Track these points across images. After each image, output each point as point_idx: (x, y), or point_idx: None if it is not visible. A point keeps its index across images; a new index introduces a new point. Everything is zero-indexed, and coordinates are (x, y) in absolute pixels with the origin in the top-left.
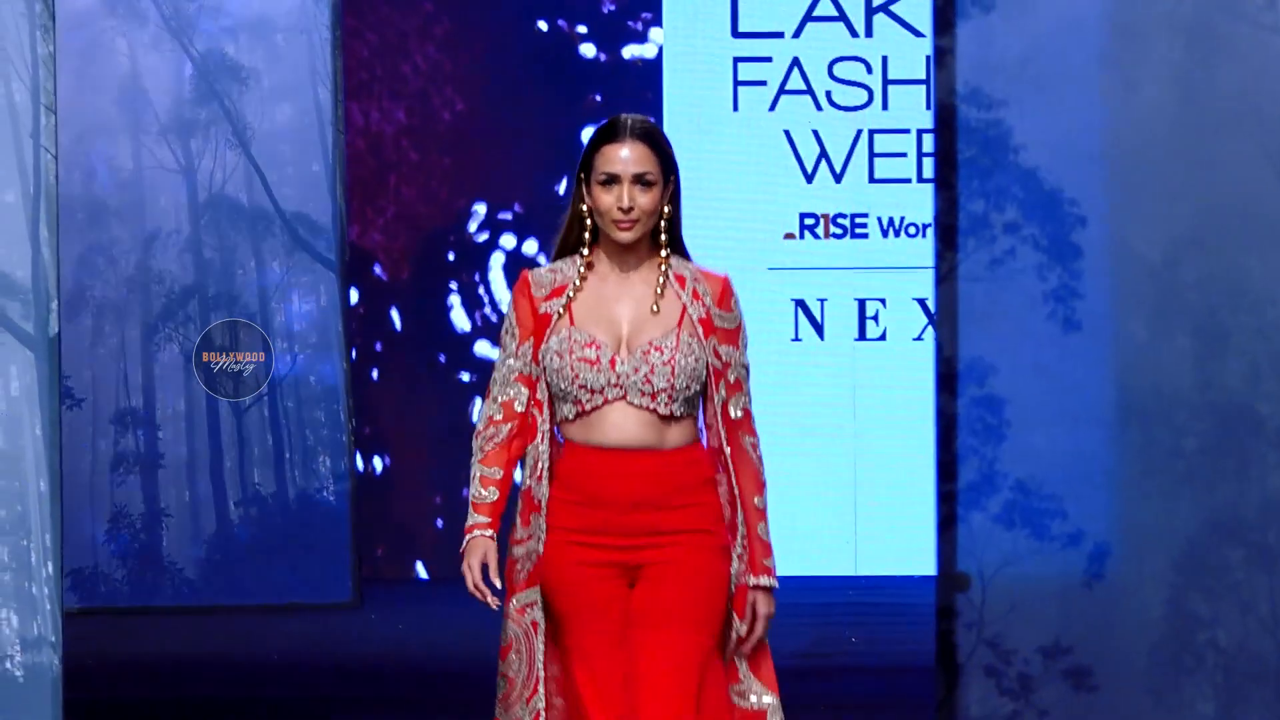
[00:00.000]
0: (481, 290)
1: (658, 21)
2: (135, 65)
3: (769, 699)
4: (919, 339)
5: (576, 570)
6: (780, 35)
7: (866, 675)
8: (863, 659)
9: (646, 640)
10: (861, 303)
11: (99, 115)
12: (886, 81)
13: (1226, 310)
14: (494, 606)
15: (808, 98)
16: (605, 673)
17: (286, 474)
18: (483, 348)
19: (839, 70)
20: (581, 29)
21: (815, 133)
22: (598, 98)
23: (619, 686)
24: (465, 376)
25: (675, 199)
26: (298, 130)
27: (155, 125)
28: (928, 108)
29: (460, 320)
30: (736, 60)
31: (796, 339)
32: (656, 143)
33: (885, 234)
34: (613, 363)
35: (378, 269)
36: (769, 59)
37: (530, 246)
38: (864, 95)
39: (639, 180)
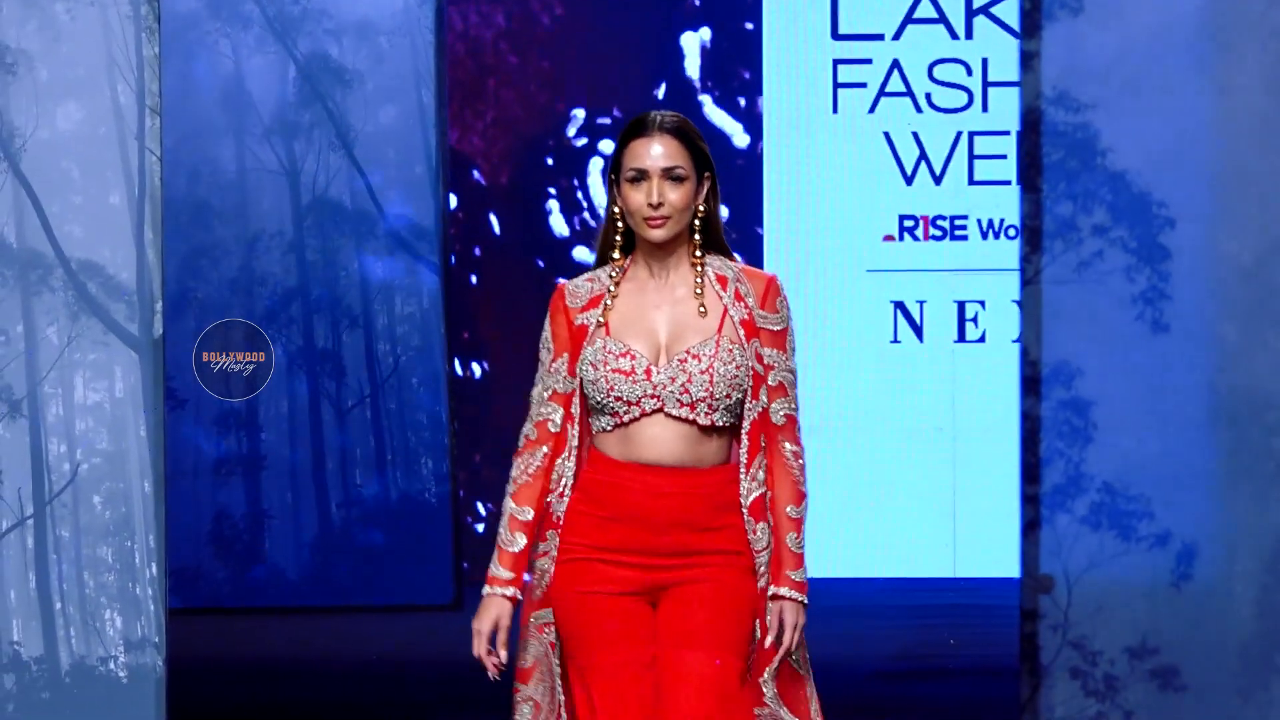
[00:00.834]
0: (580, 195)
1: (758, 16)
2: (239, 68)
3: None
4: (1018, 341)
5: (593, 599)
6: (880, 38)
7: (958, 677)
8: (956, 661)
9: (674, 661)
10: (961, 305)
11: (203, 118)
12: (986, 84)
13: None
14: (493, 678)
15: (907, 100)
16: (635, 699)
17: (389, 476)
18: (580, 253)
19: (939, 72)
20: None
21: (915, 135)
22: (696, 1)
23: (647, 712)
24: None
25: (712, 196)
26: (401, 134)
27: (259, 127)
28: None
29: (559, 225)
30: (836, 62)
31: (895, 341)
32: (688, 137)
33: (984, 236)
34: (649, 373)
35: (476, 174)
36: (869, 61)
37: None
38: (964, 97)
39: (668, 175)
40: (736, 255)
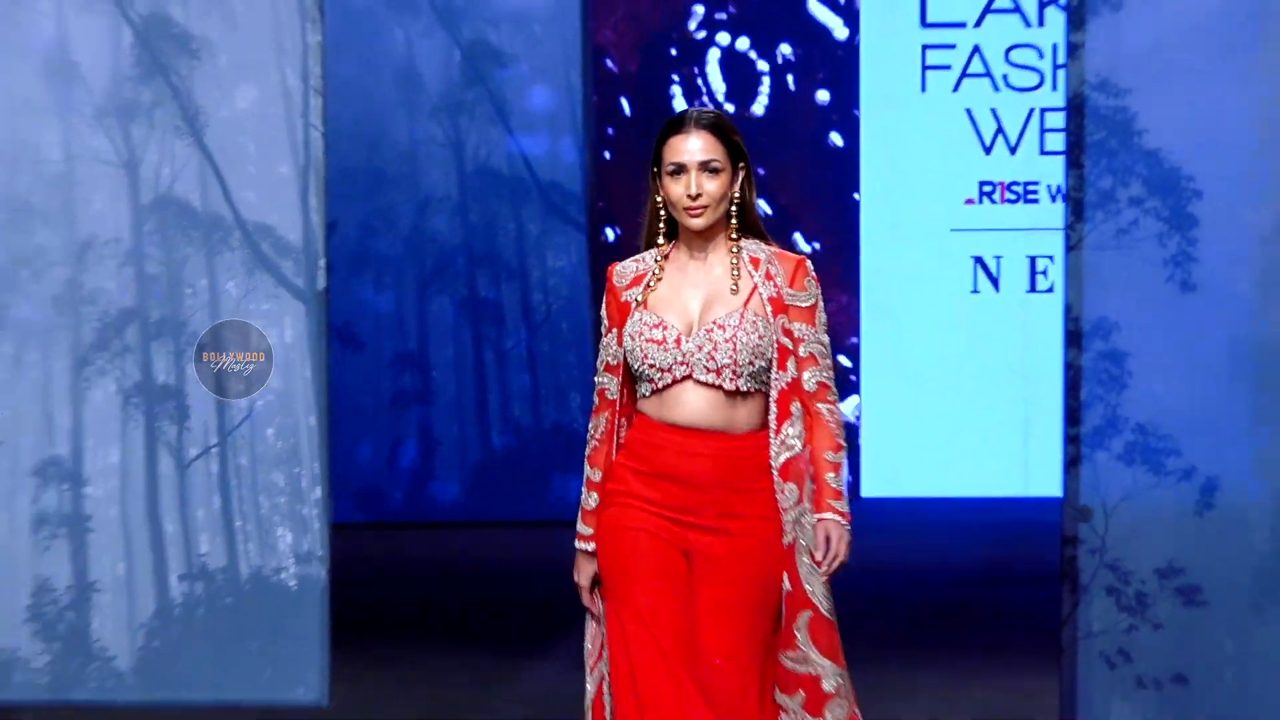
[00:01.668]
0: (700, 81)
1: (855, 10)
2: (410, 51)
3: (826, 664)
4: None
5: (633, 535)
6: (963, 25)
7: (1016, 585)
8: (1018, 571)
9: (709, 639)
10: (1032, 259)
11: (379, 96)
12: (1056, 66)
13: None
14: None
15: (987, 80)
16: (664, 631)
17: (540, 409)
18: None
19: (1014, 56)
20: None
21: (993, 111)
22: None
23: (678, 647)
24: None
25: (747, 185)
26: (553, 111)
27: (428, 105)
28: None
29: (681, 107)
30: (924, 47)
31: (975, 291)
32: (722, 132)
33: (1053, 199)
34: (679, 342)
35: (609, 62)
36: (953, 46)
37: (743, 43)
38: (1036, 78)
39: (705, 168)
40: (770, 239)
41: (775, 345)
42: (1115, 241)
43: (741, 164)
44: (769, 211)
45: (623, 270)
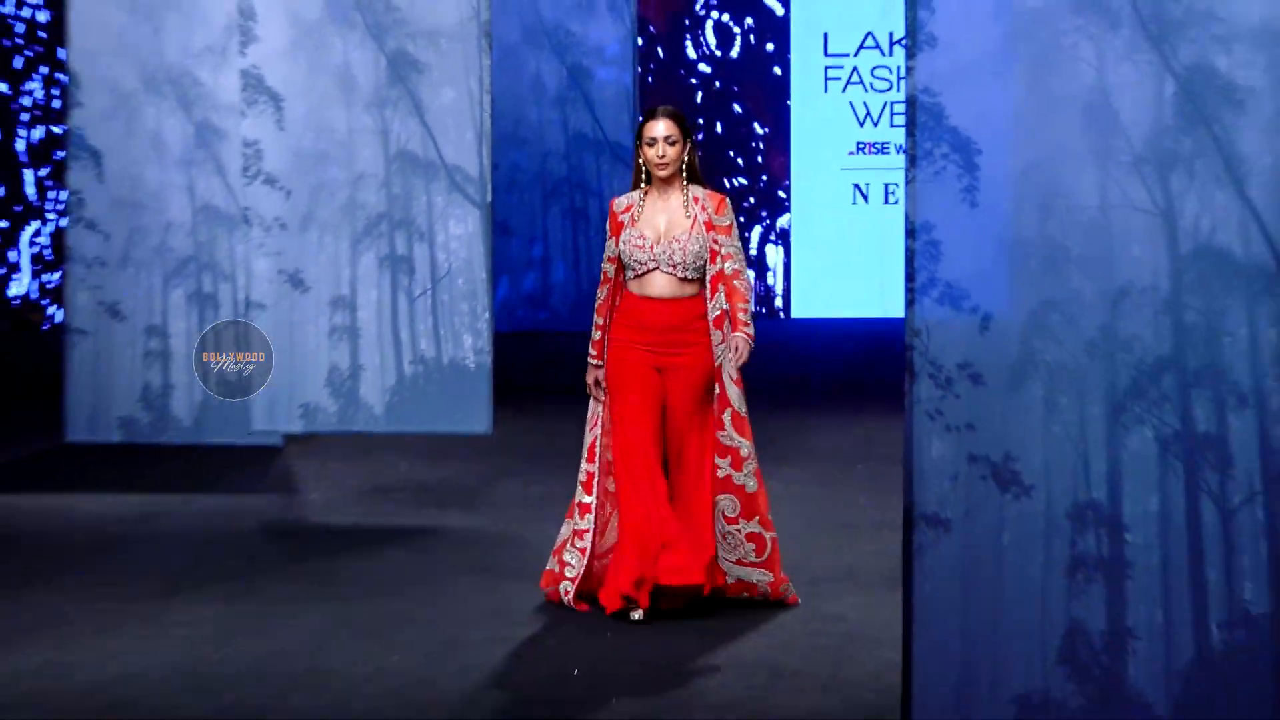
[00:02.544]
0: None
1: (789, 41)
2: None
3: (741, 440)
4: None
5: (625, 365)
6: (847, 54)
7: (885, 370)
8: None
9: (673, 407)
10: (886, 185)
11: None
12: (900, 78)
13: None
14: (597, 399)
15: (860, 86)
16: (637, 430)
17: None
18: None
19: (877, 72)
20: None
21: (865, 103)
22: None
23: (653, 447)
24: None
25: (693, 151)
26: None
27: None
28: None
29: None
30: (826, 68)
31: (854, 203)
32: (678, 117)
33: (898, 152)
34: (652, 247)
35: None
36: (840, 66)
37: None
38: (887, 85)
39: (668, 141)
40: (705, 184)
41: (708, 250)
42: (933, 179)
43: (689, 138)
44: (721, 131)
45: (619, 202)
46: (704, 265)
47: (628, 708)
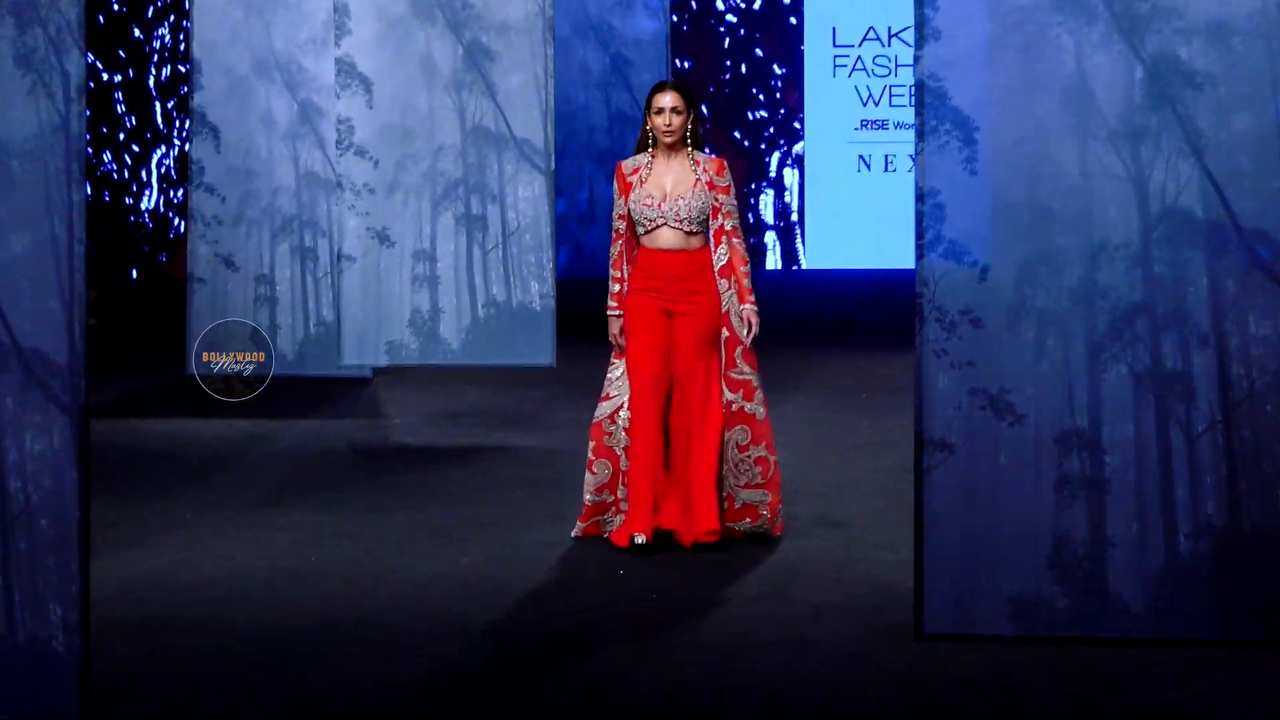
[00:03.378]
0: None
1: (802, 33)
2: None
3: (751, 372)
4: None
5: (637, 311)
6: (852, 45)
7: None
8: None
9: (678, 350)
10: (887, 156)
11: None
12: (898, 65)
13: None
14: (622, 348)
15: (864, 72)
16: (649, 369)
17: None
18: None
19: (877, 60)
20: None
21: (867, 86)
22: None
23: (657, 381)
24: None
25: (696, 120)
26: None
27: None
28: None
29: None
30: (834, 56)
31: (858, 173)
32: (684, 90)
33: (897, 128)
34: (660, 205)
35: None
36: (847, 55)
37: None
38: (886, 70)
39: (674, 110)
40: (704, 149)
41: (710, 206)
42: (938, 151)
43: (693, 108)
44: (745, 71)
45: (627, 165)
46: (706, 220)
47: (667, 592)
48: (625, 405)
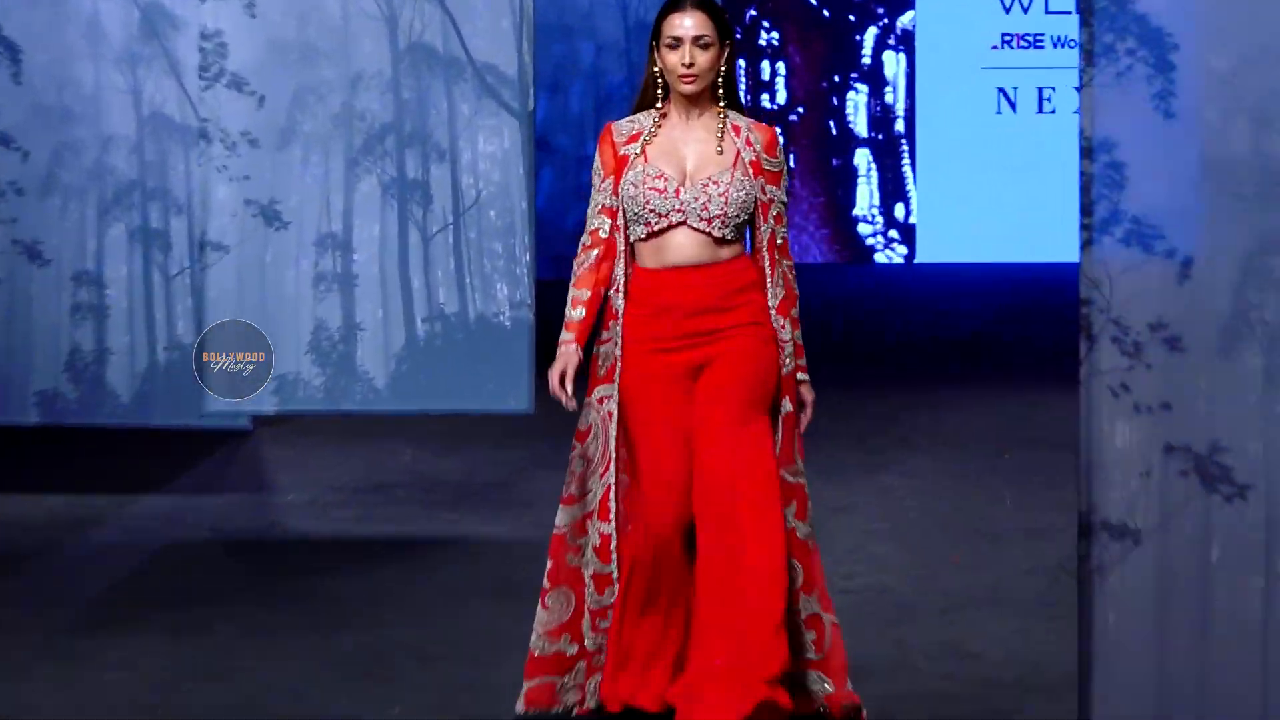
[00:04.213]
0: None
1: None
2: None
3: (803, 469)
4: (1077, 112)
5: (648, 383)
6: None
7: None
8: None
9: (709, 415)
10: (1039, 89)
11: None
12: None
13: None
14: (568, 408)
15: None
16: (669, 459)
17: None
18: None
19: None
20: None
21: None
22: None
23: (679, 472)
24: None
25: (732, 60)
26: None
27: None
28: None
29: None
30: None
31: (998, 113)
32: (713, 10)
33: (1055, 46)
34: (677, 191)
35: None
36: None
37: None
38: None
39: (697, 42)
40: (745, 109)
41: (756, 202)
42: (1115, 82)
43: (728, 41)
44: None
45: (619, 128)
46: (745, 222)
47: None
48: (597, 515)
